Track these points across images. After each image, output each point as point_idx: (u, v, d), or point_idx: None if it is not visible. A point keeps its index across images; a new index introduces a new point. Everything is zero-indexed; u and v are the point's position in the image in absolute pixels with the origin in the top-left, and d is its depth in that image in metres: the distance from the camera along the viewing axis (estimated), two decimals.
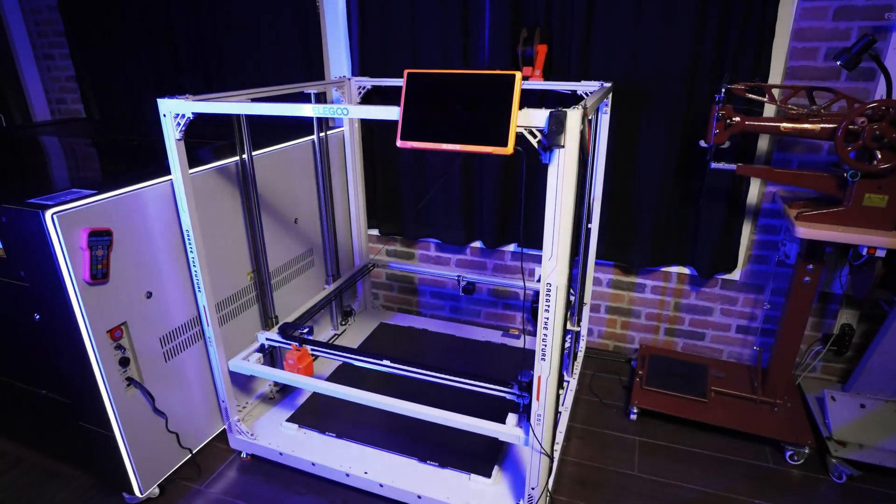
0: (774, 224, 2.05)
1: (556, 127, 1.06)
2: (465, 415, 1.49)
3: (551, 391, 1.33)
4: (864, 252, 1.61)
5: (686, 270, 2.22)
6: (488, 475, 1.65)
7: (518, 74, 1.08)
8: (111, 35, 2.69)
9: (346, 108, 1.24)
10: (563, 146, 1.07)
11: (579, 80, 1.99)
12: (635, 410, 2.03)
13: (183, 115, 1.42)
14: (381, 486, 1.65)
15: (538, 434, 1.37)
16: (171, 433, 1.70)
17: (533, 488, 1.45)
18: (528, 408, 1.51)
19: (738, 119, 1.69)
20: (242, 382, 1.95)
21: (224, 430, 1.93)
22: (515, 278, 2.50)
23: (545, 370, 1.30)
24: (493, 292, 2.60)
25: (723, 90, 1.68)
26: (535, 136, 1.13)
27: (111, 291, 1.45)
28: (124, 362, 1.51)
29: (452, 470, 1.68)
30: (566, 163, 1.10)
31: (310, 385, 1.65)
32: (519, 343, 2.38)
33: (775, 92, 1.81)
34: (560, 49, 2.01)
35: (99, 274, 1.40)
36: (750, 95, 1.68)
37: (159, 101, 1.42)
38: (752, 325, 2.22)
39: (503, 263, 2.53)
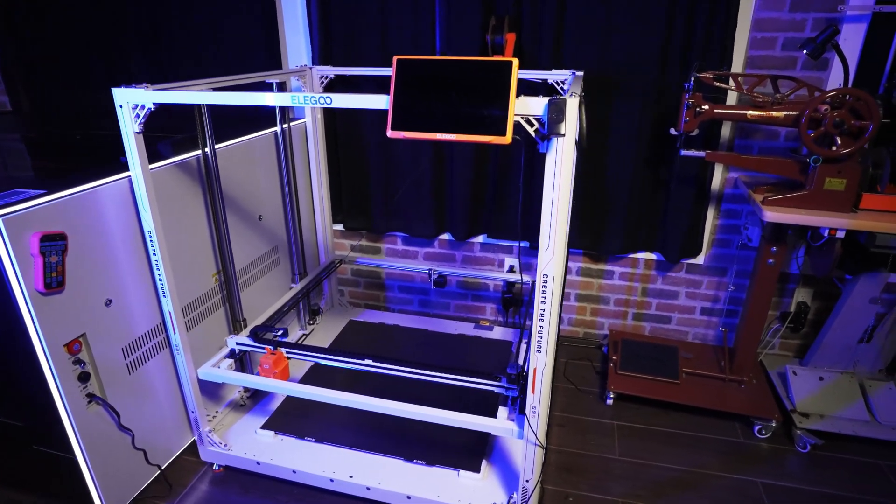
0: (736, 209, 2.12)
1: (556, 115, 1.04)
2: (444, 409, 1.46)
3: (546, 383, 1.32)
4: (826, 233, 1.69)
5: (653, 256, 2.27)
6: (477, 470, 1.63)
7: (515, 61, 1.05)
8: (44, 21, 2.45)
9: (330, 96, 1.17)
10: (564, 135, 1.05)
11: (550, 69, 1.98)
12: (612, 395, 2.07)
13: (143, 106, 1.30)
14: (367, 489, 1.60)
15: (534, 426, 1.36)
16: (139, 450, 1.58)
17: (527, 481, 1.44)
18: (516, 400, 1.50)
19: (706, 107, 1.73)
20: (211, 390, 1.84)
21: (193, 441, 1.82)
22: (486, 269, 2.49)
23: (541, 362, 1.29)
24: (463, 284, 2.58)
25: (692, 79, 1.72)
26: (531, 125, 1.11)
27: (67, 301, 1.32)
28: (84, 377, 1.38)
29: (440, 467, 1.65)
30: (565, 152, 1.08)
31: (291, 390, 1.58)
32: (492, 335, 2.38)
33: (739, 80, 1.87)
34: (529, 37, 1.99)
35: (53, 282, 1.26)
36: (717, 84, 1.73)
37: (115, 90, 1.29)
38: (715, 306, 2.31)
39: (472, 255, 2.51)
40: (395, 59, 1.11)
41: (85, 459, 1.41)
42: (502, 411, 1.48)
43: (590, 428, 1.98)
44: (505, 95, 1.06)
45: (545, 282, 1.21)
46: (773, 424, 1.89)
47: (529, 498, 1.47)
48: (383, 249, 2.60)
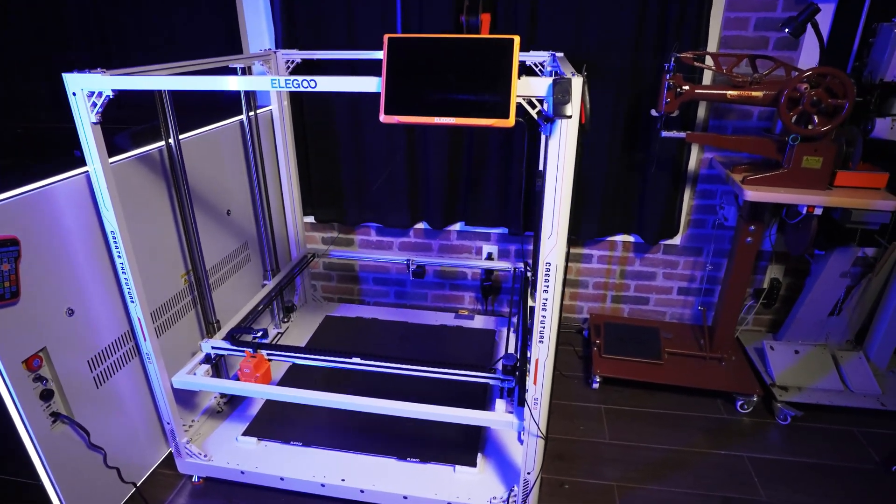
0: (711, 189, 2.15)
1: (561, 96, 0.99)
2: (432, 404, 1.42)
3: (548, 374, 1.29)
4: (804, 211, 1.72)
5: (631, 238, 2.28)
6: (473, 464, 1.59)
7: (516, 39, 1.00)
8: None
9: (315, 79, 1.08)
10: (570, 116, 1.00)
11: (528, 51, 1.93)
12: (598, 379, 2.07)
13: (100, 94, 1.18)
14: (361, 491, 1.54)
15: (536, 418, 1.33)
16: (111, 469, 1.46)
17: (529, 473, 1.42)
18: (512, 391, 1.47)
19: (687, 87, 1.73)
20: (185, 398, 1.73)
21: (170, 454, 1.71)
22: (463, 258, 2.44)
23: (543, 353, 1.26)
24: (440, 273, 2.52)
25: (672, 59, 1.71)
26: (533, 107, 1.06)
27: (23, 313, 1.19)
28: (47, 395, 1.26)
29: (435, 464, 1.61)
30: (569, 135, 1.04)
31: (278, 395, 1.49)
32: (473, 324, 2.34)
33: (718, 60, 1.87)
34: (505, 18, 1.93)
35: (7, 293, 1.13)
36: (697, 64, 1.72)
37: (67, 76, 1.16)
38: (691, 286, 2.34)
39: (449, 243, 2.45)
40: (385, 37, 1.04)
41: (53, 485, 1.29)
42: (500, 403, 1.44)
43: (578, 413, 1.97)
44: (507, 76, 1.00)
45: (548, 270, 1.17)
46: (755, 399, 1.94)
47: (531, 490, 1.44)
48: (356, 241, 2.51)
